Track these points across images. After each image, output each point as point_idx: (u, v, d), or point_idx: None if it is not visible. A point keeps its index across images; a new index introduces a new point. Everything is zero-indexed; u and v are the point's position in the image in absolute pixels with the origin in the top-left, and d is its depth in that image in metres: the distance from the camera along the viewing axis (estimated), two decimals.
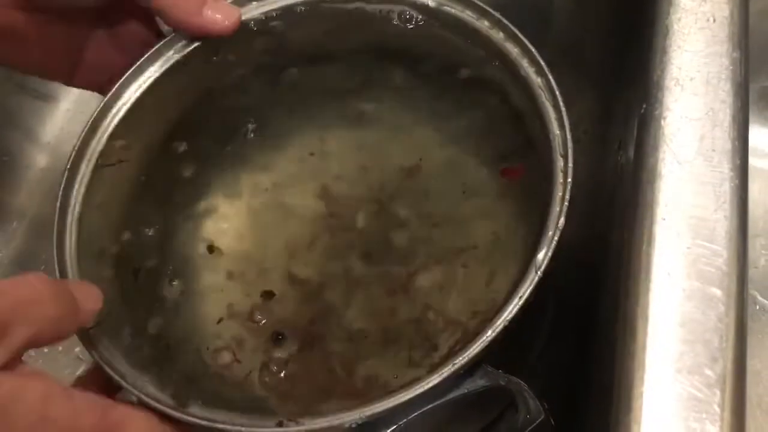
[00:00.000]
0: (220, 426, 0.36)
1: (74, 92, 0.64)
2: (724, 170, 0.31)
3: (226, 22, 0.43)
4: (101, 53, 0.45)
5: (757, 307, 0.55)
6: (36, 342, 0.30)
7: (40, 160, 0.63)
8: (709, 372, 0.27)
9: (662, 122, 0.33)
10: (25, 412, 0.28)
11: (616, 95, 0.49)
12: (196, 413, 0.37)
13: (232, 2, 0.46)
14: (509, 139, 0.46)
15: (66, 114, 0.64)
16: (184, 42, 0.49)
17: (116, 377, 0.38)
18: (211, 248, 0.50)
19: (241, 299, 0.47)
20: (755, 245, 0.57)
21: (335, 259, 0.48)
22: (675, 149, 0.32)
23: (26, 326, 0.29)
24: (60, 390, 0.30)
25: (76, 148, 0.45)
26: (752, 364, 0.53)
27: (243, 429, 0.36)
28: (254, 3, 0.48)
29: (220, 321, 0.47)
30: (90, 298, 0.35)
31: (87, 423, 0.30)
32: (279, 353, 0.45)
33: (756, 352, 0.54)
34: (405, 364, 0.43)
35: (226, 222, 0.51)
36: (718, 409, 0.27)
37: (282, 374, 0.44)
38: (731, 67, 0.33)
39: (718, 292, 0.29)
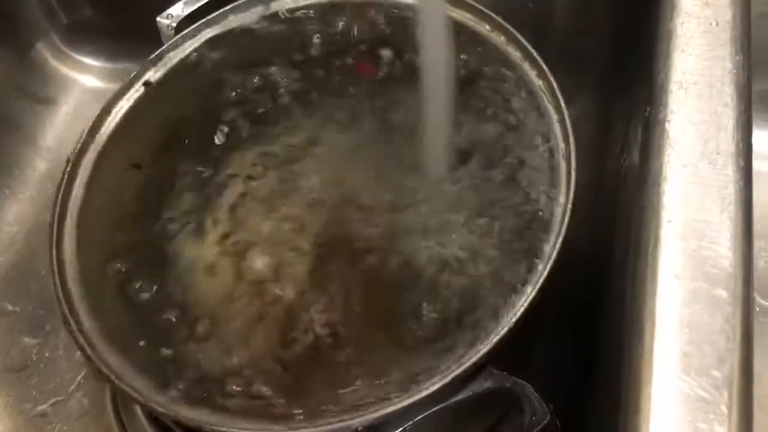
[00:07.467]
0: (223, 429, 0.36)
1: (74, 96, 0.64)
2: (729, 173, 0.31)
3: None
4: None
5: (758, 309, 0.55)
6: None
7: (39, 163, 0.62)
8: (716, 373, 0.28)
9: (666, 125, 0.33)
10: None
11: (616, 98, 0.50)
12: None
13: None
14: (512, 141, 0.46)
15: (66, 117, 0.64)
16: (189, 42, 0.50)
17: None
18: (207, 232, 0.49)
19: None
20: (755, 247, 0.57)
21: (340, 252, 0.47)
22: (680, 152, 0.32)
23: None
24: None
25: (75, 151, 0.45)
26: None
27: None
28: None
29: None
30: None
31: None
32: (287, 353, 0.44)
33: (756, 353, 0.54)
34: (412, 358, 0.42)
35: (229, 209, 0.50)
36: (725, 410, 0.27)
37: (288, 373, 0.43)
38: (734, 71, 0.34)
39: (724, 294, 0.29)
